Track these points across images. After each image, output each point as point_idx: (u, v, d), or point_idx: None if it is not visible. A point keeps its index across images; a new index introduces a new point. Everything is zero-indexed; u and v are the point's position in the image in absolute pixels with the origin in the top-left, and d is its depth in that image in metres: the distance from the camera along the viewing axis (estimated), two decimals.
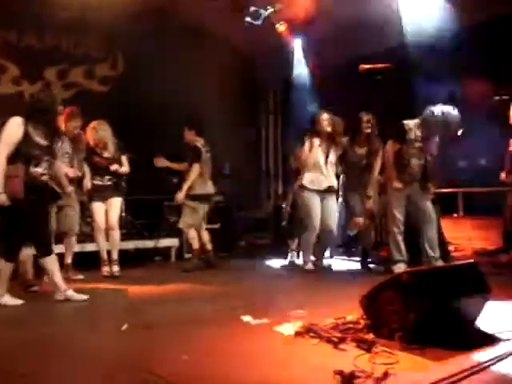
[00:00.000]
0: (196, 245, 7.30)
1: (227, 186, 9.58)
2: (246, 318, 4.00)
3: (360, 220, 6.81)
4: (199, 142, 7.31)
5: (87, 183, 6.60)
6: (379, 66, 5.44)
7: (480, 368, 2.72)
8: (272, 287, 5.95)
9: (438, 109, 6.05)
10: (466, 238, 8.68)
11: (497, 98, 6.68)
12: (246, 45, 10.61)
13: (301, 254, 7.21)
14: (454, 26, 7.92)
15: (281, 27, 9.77)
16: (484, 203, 8.81)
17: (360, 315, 3.53)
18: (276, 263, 7.84)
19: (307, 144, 6.79)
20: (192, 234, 7.27)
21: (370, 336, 3.22)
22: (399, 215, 6.26)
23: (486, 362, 2.79)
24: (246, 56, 10.83)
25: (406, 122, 6.28)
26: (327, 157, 6.84)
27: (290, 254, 7.84)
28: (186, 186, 7.11)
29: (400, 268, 5.93)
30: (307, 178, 6.81)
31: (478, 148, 8.44)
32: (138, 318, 4.31)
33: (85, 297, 5.10)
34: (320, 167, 6.81)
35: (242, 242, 9.66)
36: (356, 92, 7.55)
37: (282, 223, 8.41)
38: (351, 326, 3.42)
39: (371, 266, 6.96)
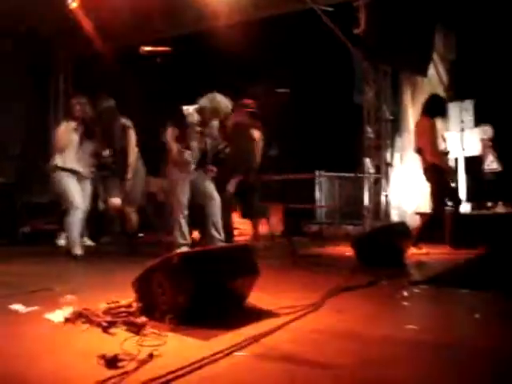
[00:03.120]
0: None
1: (11, 168, 9.04)
2: (16, 307, 3.76)
3: (116, 201, 6.89)
4: None
5: None
6: (159, 49, 5.45)
7: (243, 345, 2.81)
8: (48, 272, 5.68)
9: (211, 95, 6.35)
10: (250, 222, 9.04)
11: (280, 90, 7.02)
12: (36, 21, 10.03)
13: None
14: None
15: (73, 4, 9.36)
16: (270, 191, 9.27)
17: (134, 298, 3.50)
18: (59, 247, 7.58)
19: (63, 126, 6.73)
20: None
21: (142, 319, 3.19)
22: (183, 199, 6.33)
23: (249, 339, 2.89)
24: (35, 33, 10.23)
25: (185, 106, 6.39)
26: (82, 139, 6.81)
27: (60, 237, 7.75)
28: None
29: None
30: (62, 159, 6.72)
31: (269, 139, 8.84)
32: None
33: None
34: (74, 149, 6.76)
35: (25, 228, 9.16)
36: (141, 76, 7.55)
37: None
38: (123, 309, 3.36)
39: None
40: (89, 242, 7.76)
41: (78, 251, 6.63)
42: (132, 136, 7.16)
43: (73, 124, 6.72)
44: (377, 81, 9.38)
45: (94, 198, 7.24)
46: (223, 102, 6.35)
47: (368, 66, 9.44)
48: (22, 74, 9.54)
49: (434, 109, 7.33)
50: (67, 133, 6.70)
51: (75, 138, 6.74)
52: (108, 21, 9.09)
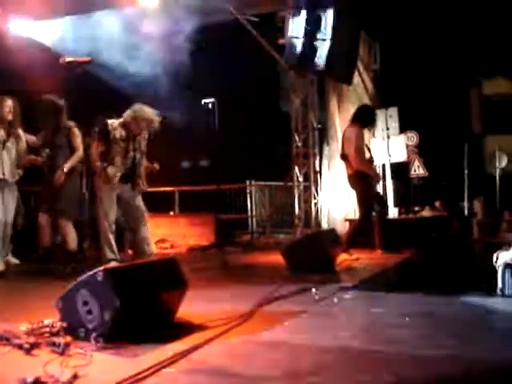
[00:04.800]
0: None
1: None
2: None
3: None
4: None
5: None
6: (80, 59, 5.35)
7: (172, 361, 2.76)
8: None
9: (136, 107, 6.23)
10: (181, 234, 9.00)
11: (205, 101, 6.90)
12: None
13: None
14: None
15: None
16: (199, 202, 9.24)
17: (58, 318, 3.38)
18: None
19: None
20: None
21: (66, 339, 3.08)
22: (111, 213, 6.19)
23: (177, 355, 2.84)
24: None
25: (110, 121, 6.24)
26: (4, 144, 6.42)
27: None
28: None
29: None
30: None
31: (199, 150, 8.80)
32: None
33: None
34: None
35: None
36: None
37: None
38: (47, 329, 3.24)
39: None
40: (13, 260, 7.41)
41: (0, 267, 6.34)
42: (77, 134, 6.71)
43: None
44: (303, 89, 9.49)
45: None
46: (148, 113, 6.23)
47: (294, 75, 9.55)
48: None
49: (364, 118, 7.47)
50: None
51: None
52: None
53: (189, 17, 9.02)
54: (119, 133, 6.20)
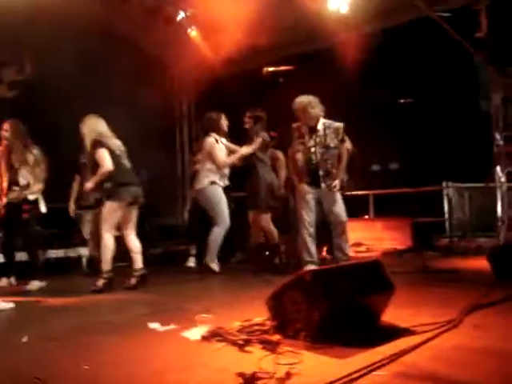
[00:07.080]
0: None
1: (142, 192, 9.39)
2: (153, 325, 3.90)
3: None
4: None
5: None
6: (282, 68, 5.51)
7: (382, 363, 2.74)
8: (182, 292, 5.87)
9: (300, 98, 6.35)
10: (376, 238, 8.91)
11: (402, 101, 6.72)
12: (160, 50, 10.52)
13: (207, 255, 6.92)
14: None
15: (193, 32, 9.73)
16: (393, 205, 9.08)
17: (267, 316, 3.51)
18: (188, 268, 7.85)
19: (219, 144, 6.90)
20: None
21: (276, 337, 3.20)
22: (307, 216, 6.28)
23: (387, 358, 2.81)
24: (159, 61, 10.71)
25: (295, 124, 6.48)
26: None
27: (189, 259, 7.88)
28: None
29: None
30: (217, 175, 6.91)
31: (389, 152, 8.67)
32: (42, 329, 4.13)
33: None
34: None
35: (157, 250, 9.51)
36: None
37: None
38: (257, 327, 3.39)
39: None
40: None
41: (216, 268, 6.78)
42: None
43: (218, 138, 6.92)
44: (504, 85, 8.94)
45: None
46: (305, 99, 6.31)
47: (493, 71, 9.03)
48: (145, 99, 9.90)
49: None
50: (221, 147, 6.91)
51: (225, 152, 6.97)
52: (228, 45, 9.35)
53: (378, 18, 8.96)
54: (297, 131, 6.38)
